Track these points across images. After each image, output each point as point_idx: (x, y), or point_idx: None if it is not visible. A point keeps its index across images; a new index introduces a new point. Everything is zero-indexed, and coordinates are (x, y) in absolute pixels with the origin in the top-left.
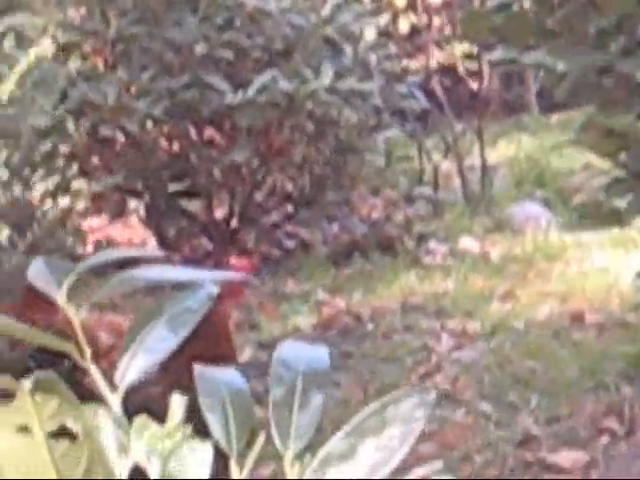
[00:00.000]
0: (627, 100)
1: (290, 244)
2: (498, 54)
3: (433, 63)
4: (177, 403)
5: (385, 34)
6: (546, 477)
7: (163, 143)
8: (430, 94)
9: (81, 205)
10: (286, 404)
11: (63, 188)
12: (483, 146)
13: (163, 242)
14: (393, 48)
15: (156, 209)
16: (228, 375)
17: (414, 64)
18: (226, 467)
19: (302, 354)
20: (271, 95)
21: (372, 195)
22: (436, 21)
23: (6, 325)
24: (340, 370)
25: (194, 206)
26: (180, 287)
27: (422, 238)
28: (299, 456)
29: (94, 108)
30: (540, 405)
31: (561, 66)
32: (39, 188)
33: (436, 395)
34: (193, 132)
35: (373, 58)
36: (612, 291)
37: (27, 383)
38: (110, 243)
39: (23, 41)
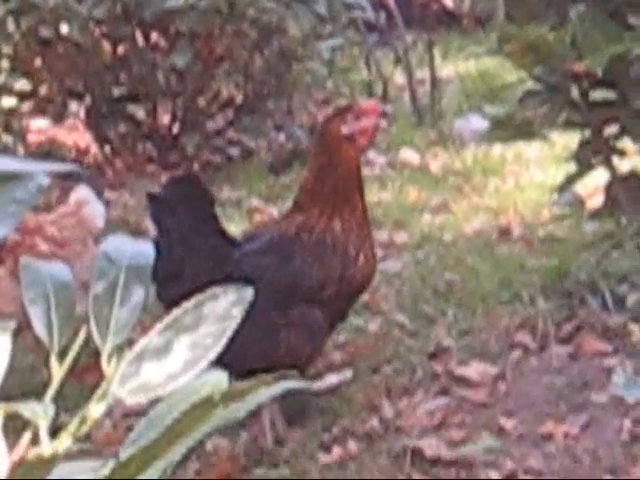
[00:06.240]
0: (544, 11)
1: (233, 151)
2: None
3: None
4: None
5: None
6: (454, 389)
7: (106, 46)
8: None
9: (25, 106)
10: (107, 299)
11: (7, 89)
12: (433, 59)
13: (104, 146)
14: None
15: (97, 112)
16: (53, 269)
17: None
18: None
19: (126, 248)
20: (212, 0)
21: (321, 105)
22: None
23: None
24: None
25: (138, 111)
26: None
27: None
28: (118, 351)
29: (34, 9)
30: (456, 317)
31: None
32: None
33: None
34: (139, 36)
35: None
36: (543, 206)
37: None
38: (53, 145)
39: None
